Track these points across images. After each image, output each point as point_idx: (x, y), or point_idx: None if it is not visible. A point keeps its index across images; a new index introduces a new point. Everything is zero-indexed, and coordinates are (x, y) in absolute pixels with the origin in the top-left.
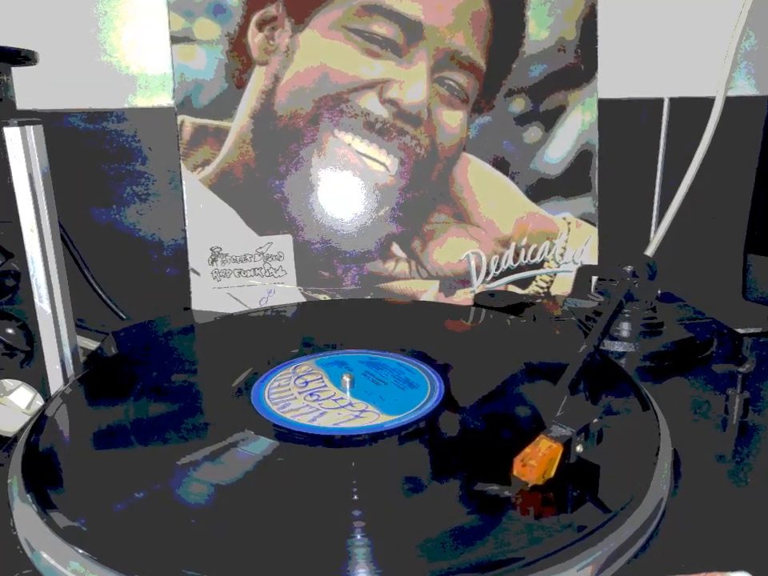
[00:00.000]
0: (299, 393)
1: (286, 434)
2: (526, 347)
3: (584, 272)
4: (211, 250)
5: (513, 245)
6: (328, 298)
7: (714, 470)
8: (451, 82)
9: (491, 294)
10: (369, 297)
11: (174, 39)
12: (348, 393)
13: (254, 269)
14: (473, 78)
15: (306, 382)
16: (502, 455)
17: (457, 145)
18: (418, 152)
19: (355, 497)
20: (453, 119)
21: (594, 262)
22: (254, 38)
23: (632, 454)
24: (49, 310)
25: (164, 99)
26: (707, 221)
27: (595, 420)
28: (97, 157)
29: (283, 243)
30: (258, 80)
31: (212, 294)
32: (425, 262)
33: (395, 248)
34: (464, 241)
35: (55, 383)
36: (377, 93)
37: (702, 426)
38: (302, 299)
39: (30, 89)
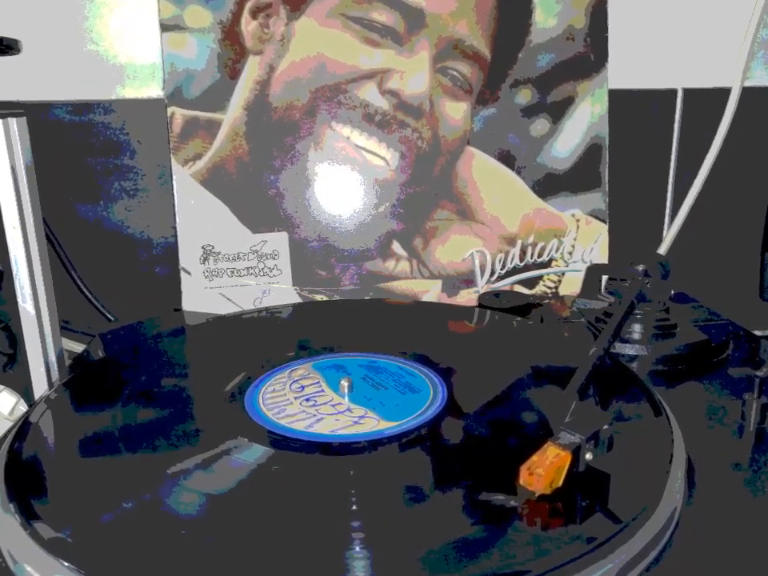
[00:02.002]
0: (295, 398)
1: (282, 441)
2: (533, 350)
3: (594, 271)
4: (203, 248)
5: (519, 243)
6: (325, 298)
7: (730, 479)
8: (454, 72)
9: (496, 294)
10: (368, 297)
11: (164, 27)
12: (346, 398)
13: (248, 268)
14: (477, 67)
15: (303, 387)
16: (507, 463)
17: (460, 138)
18: (419, 145)
19: (354, 507)
20: (456, 111)
21: (604, 260)
22: (248, 26)
23: (644, 461)
24: (33, 312)
25: (153, 90)
26: (722, 218)
27: (605, 426)
28: (83, 150)
29: (278, 241)
30: (251, 70)
31: (204, 295)
32: (427, 260)
33: (396, 246)
34: (468, 238)
35: (39, 388)
36: (376, 83)
37: (717, 433)
38: (298, 300)
39: (12, 79)
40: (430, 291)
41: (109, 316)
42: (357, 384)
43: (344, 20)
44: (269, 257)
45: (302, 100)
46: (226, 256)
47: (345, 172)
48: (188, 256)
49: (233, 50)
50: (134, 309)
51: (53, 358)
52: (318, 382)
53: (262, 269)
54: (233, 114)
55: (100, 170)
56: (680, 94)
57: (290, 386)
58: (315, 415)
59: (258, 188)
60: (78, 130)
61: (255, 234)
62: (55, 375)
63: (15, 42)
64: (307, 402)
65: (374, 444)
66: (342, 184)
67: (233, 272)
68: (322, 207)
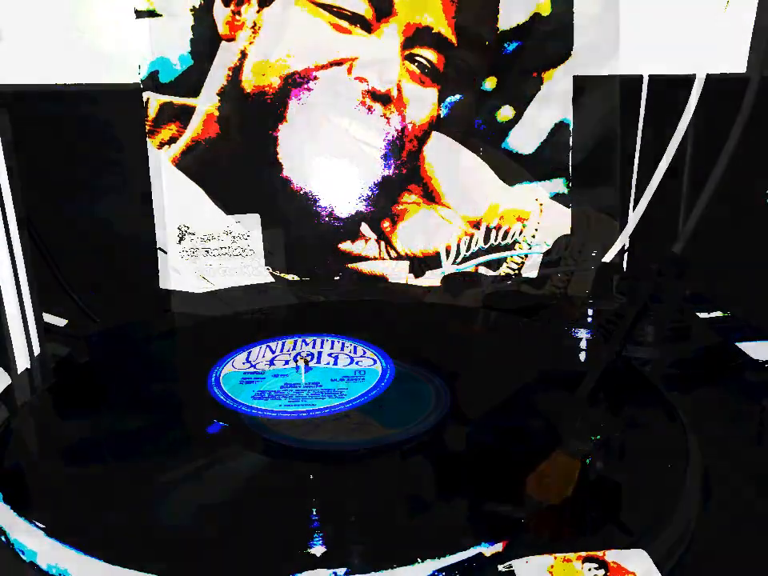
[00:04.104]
0: (291, 403)
1: (277, 449)
2: (541, 353)
3: (605, 270)
4: (194, 245)
5: (524, 241)
6: (322, 298)
7: (748, 489)
8: (458, 62)
9: (502, 294)
10: (367, 298)
11: (152, 15)
12: (345, 403)
13: (242, 266)
14: (480, 56)
15: (300, 391)
16: (514, 472)
17: (463, 131)
18: (420, 139)
19: (352, 518)
20: (461, 103)
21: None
22: (241, 15)
23: (657, 470)
24: (15, 313)
25: (140, 79)
26: (740, 214)
27: (617, 434)
28: (67, 144)
29: (273, 238)
30: (244, 59)
31: (195, 295)
32: (428, 259)
33: (397, 244)
34: (470, 236)
35: (21, 393)
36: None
37: (734, 440)
38: (294, 300)
39: None
40: (432, 292)
41: (94, 317)
42: (356, 388)
43: (339, 7)
44: (264, 255)
45: (298, 91)
46: (219, 254)
47: (343, 165)
48: (178, 254)
49: (224, 39)
50: (121, 309)
51: (36, 361)
52: (316, 386)
53: (256, 267)
54: (225, 105)
55: (85, 165)
56: (696, 84)
57: (287, 391)
58: (312, 421)
59: (251, 183)
60: (62, 122)
61: (249, 230)
62: (38, 380)
63: None
64: (304, 408)
65: (373, 452)
66: (340, 177)
67: (226, 271)
68: (320, 202)
